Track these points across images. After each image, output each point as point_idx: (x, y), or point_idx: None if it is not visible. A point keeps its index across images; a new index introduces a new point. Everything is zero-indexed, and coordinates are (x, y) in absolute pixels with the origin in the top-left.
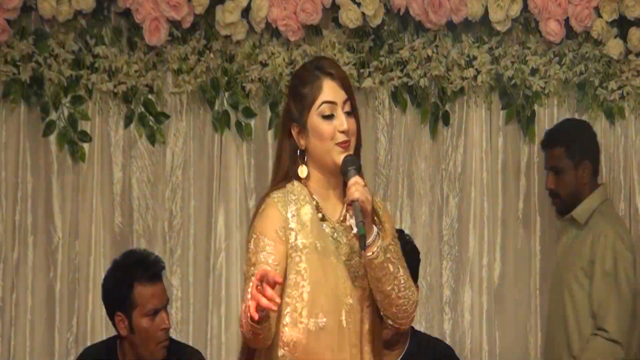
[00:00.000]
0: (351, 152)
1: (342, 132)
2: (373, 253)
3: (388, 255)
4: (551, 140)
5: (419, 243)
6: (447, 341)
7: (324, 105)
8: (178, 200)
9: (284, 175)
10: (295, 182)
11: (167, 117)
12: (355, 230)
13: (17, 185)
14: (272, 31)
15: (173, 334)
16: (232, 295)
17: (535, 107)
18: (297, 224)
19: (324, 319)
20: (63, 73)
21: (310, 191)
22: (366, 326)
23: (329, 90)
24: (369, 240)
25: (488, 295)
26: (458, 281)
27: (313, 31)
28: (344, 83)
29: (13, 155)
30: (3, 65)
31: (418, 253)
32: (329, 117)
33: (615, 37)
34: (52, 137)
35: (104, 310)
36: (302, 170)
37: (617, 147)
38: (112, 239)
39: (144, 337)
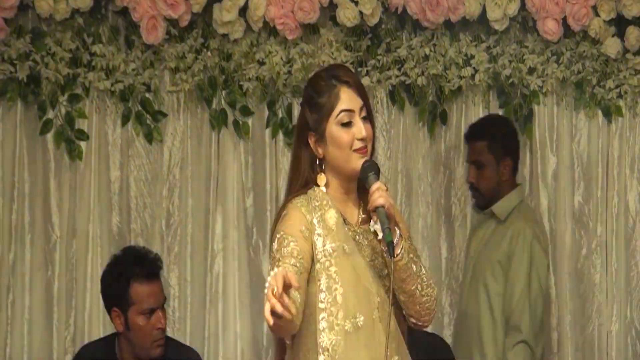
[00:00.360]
0: (369, 157)
1: (361, 139)
2: (398, 255)
3: (411, 254)
4: (474, 133)
5: (418, 242)
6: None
7: (342, 114)
8: (175, 198)
9: (303, 183)
10: (316, 188)
11: (165, 115)
12: (381, 235)
13: (14, 183)
14: (270, 30)
15: (170, 333)
16: (229, 293)
17: (533, 105)
18: (324, 229)
19: (362, 317)
20: (60, 71)
21: (333, 201)
22: (392, 324)
23: (347, 98)
24: (395, 244)
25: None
26: (458, 280)
27: (310, 30)
28: (360, 89)
29: (10, 153)
30: (0, 64)
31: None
32: (347, 124)
33: (613, 35)
34: (49, 136)
35: (101, 308)
36: (321, 179)
37: (613, 145)
38: (110, 237)
39: (139, 335)
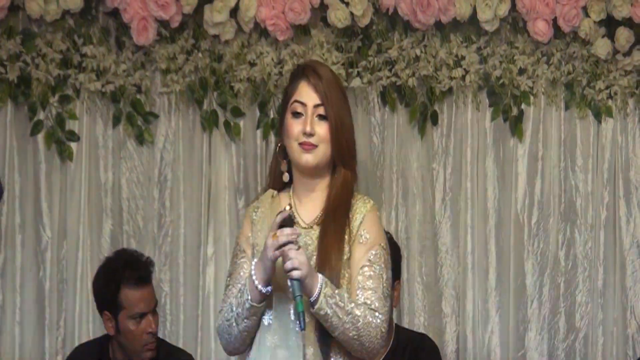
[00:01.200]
0: (318, 157)
1: (306, 133)
2: (316, 308)
3: (334, 307)
4: None
5: (414, 242)
6: (446, 339)
7: (295, 103)
8: (167, 200)
9: (272, 169)
10: (269, 192)
11: (156, 116)
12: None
13: (4, 184)
14: (261, 31)
15: (163, 334)
16: (221, 294)
17: (523, 106)
18: (257, 232)
19: (272, 315)
20: (51, 72)
21: (292, 194)
22: (311, 327)
23: (304, 92)
24: (313, 298)
25: (483, 291)
26: (453, 281)
27: (301, 31)
28: (319, 87)
29: (0, 154)
30: None
31: (399, 250)
32: (297, 115)
33: (603, 37)
34: (40, 137)
35: (91, 310)
36: (283, 165)
37: (603, 146)
38: (101, 239)
39: (129, 339)
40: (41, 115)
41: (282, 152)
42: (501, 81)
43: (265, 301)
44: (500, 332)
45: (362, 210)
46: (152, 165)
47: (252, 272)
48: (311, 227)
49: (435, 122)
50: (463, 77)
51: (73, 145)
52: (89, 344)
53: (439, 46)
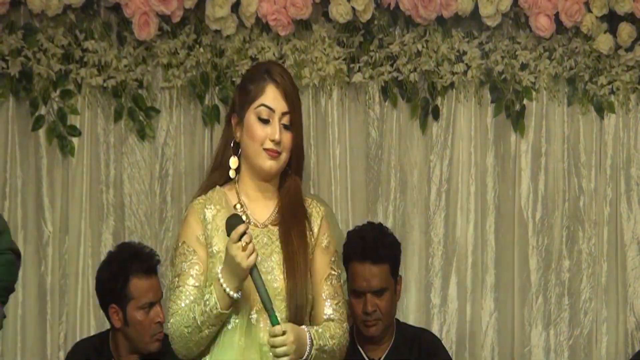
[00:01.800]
0: (280, 164)
1: (273, 141)
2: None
3: (320, 351)
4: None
5: (410, 235)
6: (436, 330)
7: (262, 107)
8: (168, 195)
9: (218, 163)
10: (217, 188)
11: (157, 111)
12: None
13: (6, 180)
14: (262, 26)
15: (165, 329)
16: None
17: (525, 101)
18: (213, 230)
19: (237, 320)
20: (52, 67)
21: (238, 191)
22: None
23: (271, 96)
24: (305, 356)
25: (478, 284)
26: (448, 272)
27: (303, 26)
28: (288, 95)
29: (2, 150)
30: None
31: (399, 245)
32: (264, 121)
33: (605, 32)
34: (42, 132)
35: (92, 305)
36: (234, 161)
37: (605, 142)
38: (103, 234)
39: (138, 330)
40: (43, 110)
41: (236, 149)
42: (503, 76)
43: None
44: (501, 328)
45: (318, 215)
46: (154, 160)
47: (221, 280)
48: (266, 226)
49: (436, 117)
50: (465, 72)
51: (74, 140)
52: (89, 339)
53: (440, 41)
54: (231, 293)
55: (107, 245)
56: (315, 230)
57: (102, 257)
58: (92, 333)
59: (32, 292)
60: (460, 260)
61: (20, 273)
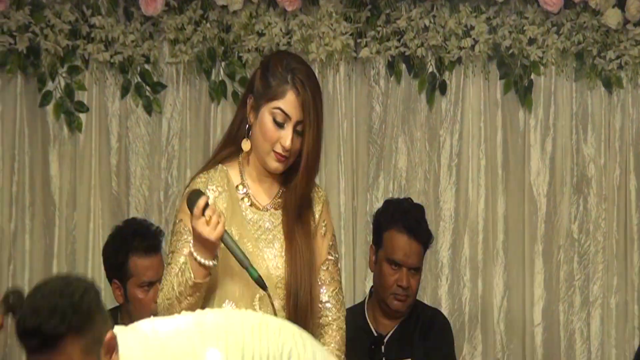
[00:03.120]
0: (286, 166)
1: (283, 146)
2: None
3: None
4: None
5: None
6: (444, 310)
7: (278, 110)
8: (174, 170)
9: (231, 140)
10: (220, 167)
11: (164, 87)
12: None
13: (14, 156)
14: (269, 1)
15: None
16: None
17: (533, 76)
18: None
19: (233, 306)
20: (59, 43)
21: (242, 171)
22: (281, 314)
23: (290, 103)
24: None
25: (487, 260)
26: (455, 249)
27: (310, 1)
28: (306, 104)
29: (10, 126)
30: (0, 36)
31: (423, 209)
32: (279, 124)
33: (614, 6)
34: (49, 108)
35: (102, 281)
36: (246, 145)
37: (614, 116)
38: (110, 209)
39: (137, 308)
40: (50, 86)
41: (248, 131)
42: (511, 51)
43: (210, 276)
44: (512, 303)
45: (320, 200)
46: (160, 135)
47: (194, 253)
48: (268, 210)
49: (443, 92)
50: (472, 47)
51: (82, 116)
52: None
53: (448, 16)
54: (206, 262)
55: (114, 221)
56: (317, 216)
57: (110, 232)
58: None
59: (39, 269)
60: (471, 235)
61: (27, 250)
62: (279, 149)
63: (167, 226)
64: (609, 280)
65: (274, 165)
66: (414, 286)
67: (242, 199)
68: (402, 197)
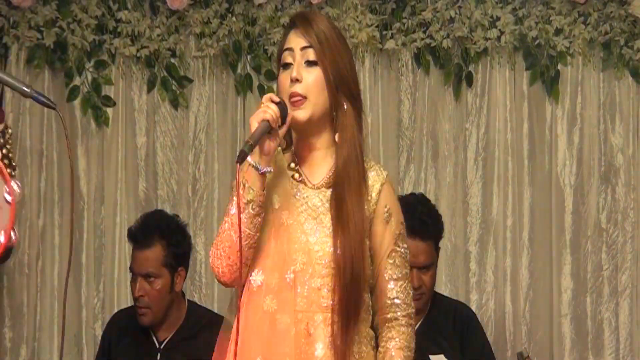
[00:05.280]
0: (309, 111)
1: (292, 80)
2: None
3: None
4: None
5: (443, 204)
6: (472, 302)
7: (284, 52)
8: (201, 164)
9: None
10: (278, 149)
11: (190, 81)
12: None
13: (41, 151)
14: None
15: (198, 298)
16: None
17: (560, 67)
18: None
19: (264, 278)
20: (86, 38)
21: (295, 152)
22: (322, 293)
23: (291, 38)
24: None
25: (513, 255)
26: (482, 242)
27: None
28: (309, 31)
29: (37, 121)
30: (27, 31)
31: (441, 218)
32: (286, 66)
33: None
34: (76, 102)
35: (129, 274)
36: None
37: None
38: (137, 203)
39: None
40: (77, 81)
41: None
42: (537, 42)
43: (264, 196)
44: (536, 295)
45: (378, 180)
46: (187, 129)
47: (250, 161)
48: (319, 188)
49: (470, 83)
50: (498, 38)
51: (109, 110)
52: (127, 309)
53: (473, 7)
54: (259, 166)
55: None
56: (374, 195)
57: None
58: (130, 303)
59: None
60: (498, 227)
61: (55, 245)
62: (290, 89)
63: (196, 218)
64: (638, 270)
65: (294, 113)
66: (427, 283)
67: (293, 175)
68: (431, 191)
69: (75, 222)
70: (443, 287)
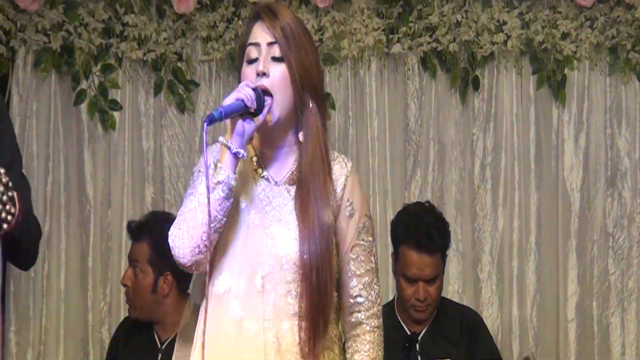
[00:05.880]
0: (276, 107)
1: (258, 74)
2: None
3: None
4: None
5: (450, 208)
6: (478, 306)
7: (248, 47)
8: None
9: None
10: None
11: (197, 85)
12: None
13: (48, 154)
14: None
15: None
16: None
17: (566, 71)
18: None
19: (231, 284)
20: (93, 42)
21: (255, 149)
22: (288, 299)
23: (256, 32)
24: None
25: (519, 260)
26: (489, 246)
27: None
28: (274, 25)
29: (44, 124)
30: (34, 35)
31: (449, 228)
32: (252, 61)
33: None
34: (83, 106)
35: None
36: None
37: None
38: (144, 207)
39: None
40: (84, 85)
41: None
42: (544, 46)
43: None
44: (543, 299)
45: (342, 173)
46: (193, 133)
47: (223, 141)
48: (281, 185)
49: (476, 87)
50: (505, 42)
51: (116, 114)
52: None
53: (480, 11)
54: (234, 147)
55: None
56: (339, 190)
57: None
58: None
59: (74, 268)
60: (505, 231)
61: (62, 248)
62: (256, 82)
63: None
64: None
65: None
66: (433, 295)
67: (256, 170)
68: (437, 195)
69: (83, 226)
70: (450, 292)
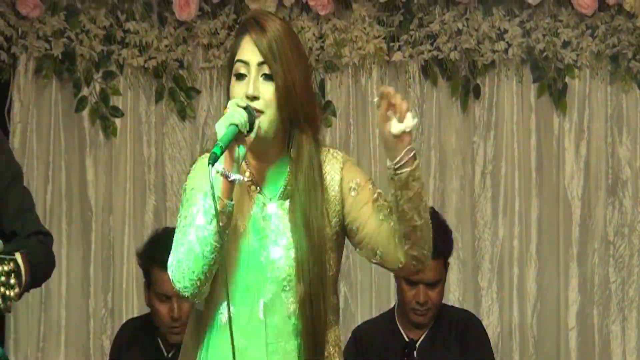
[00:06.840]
0: (266, 124)
1: (248, 96)
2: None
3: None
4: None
5: (450, 216)
6: (479, 314)
7: (237, 63)
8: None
9: None
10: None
11: (198, 92)
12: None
13: (49, 161)
14: (302, 5)
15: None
16: None
17: (567, 79)
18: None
19: (233, 311)
20: (94, 48)
21: (249, 165)
22: (291, 320)
23: (246, 49)
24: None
25: (520, 268)
26: (490, 254)
27: (343, 5)
28: (264, 43)
29: (46, 131)
30: (35, 41)
31: (451, 233)
32: (241, 77)
33: None
34: (85, 113)
35: (138, 286)
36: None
37: None
38: (145, 215)
39: (155, 316)
40: (85, 92)
41: None
42: (545, 54)
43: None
44: (544, 308)
45: (336, 170)
46: (194, 140)
47: (219, 169)
48: (275, 200)
49: (477, 95)
50: (506, 51)
51: (117, 121)
52: (136, 319)
53: (481, 20)
54: (228, 173)
55: (149, 226)
56: (337, 188)
57: (145, 238)
58: (137, 314)
59: (75, 275)
60: (505, 239)
61: (63, 255)
62: (246, 101)
63: None
64: None
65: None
66: (433, 299)
67: (249, 186)
68: (438, 203)
69: (84, 233)
70: (451, 300)
